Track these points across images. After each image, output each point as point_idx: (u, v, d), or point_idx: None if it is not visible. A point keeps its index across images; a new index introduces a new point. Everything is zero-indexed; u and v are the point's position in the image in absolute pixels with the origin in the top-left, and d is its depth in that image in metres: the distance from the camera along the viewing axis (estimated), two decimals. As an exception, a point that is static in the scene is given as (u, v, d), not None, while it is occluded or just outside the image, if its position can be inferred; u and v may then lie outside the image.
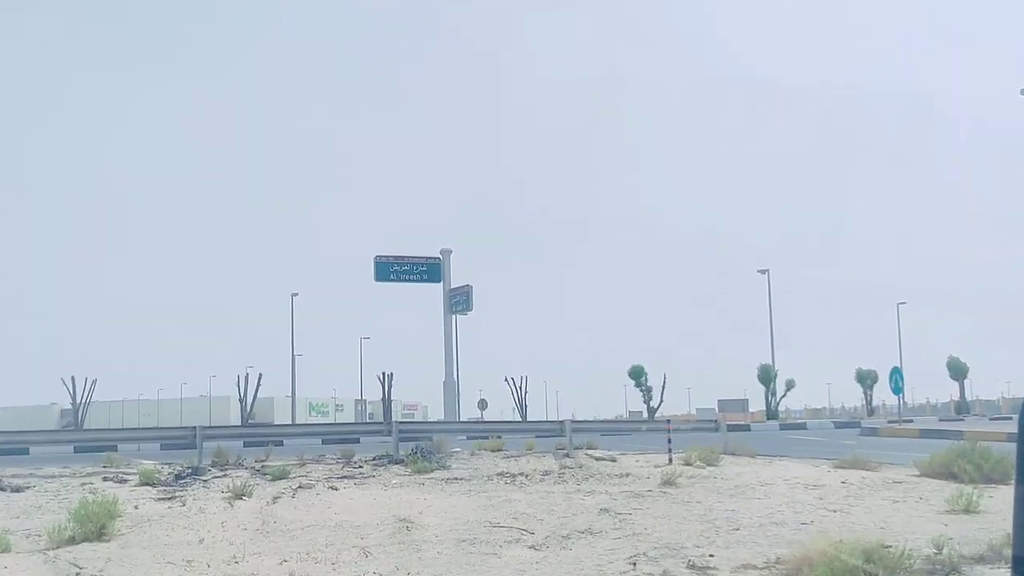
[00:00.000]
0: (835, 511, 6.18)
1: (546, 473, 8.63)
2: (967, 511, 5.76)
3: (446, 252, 21.16)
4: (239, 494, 7.07)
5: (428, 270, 21.06)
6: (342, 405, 60.76)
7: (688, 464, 9.09)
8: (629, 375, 30.77)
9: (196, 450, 10.06)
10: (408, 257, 21.00)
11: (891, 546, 4.17)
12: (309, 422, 41.62)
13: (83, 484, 8.35)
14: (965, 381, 33.24)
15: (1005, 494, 6.47)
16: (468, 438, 12.57)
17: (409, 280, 20.98)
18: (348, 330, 60.39)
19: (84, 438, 12.86)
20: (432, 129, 62.23)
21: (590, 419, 18.49)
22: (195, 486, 7.93)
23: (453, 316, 21.11)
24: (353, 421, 38.95)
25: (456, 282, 21.00)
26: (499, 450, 10.89)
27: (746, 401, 32.44)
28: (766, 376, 29.84)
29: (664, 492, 7.27)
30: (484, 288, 26.92)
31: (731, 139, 58.54)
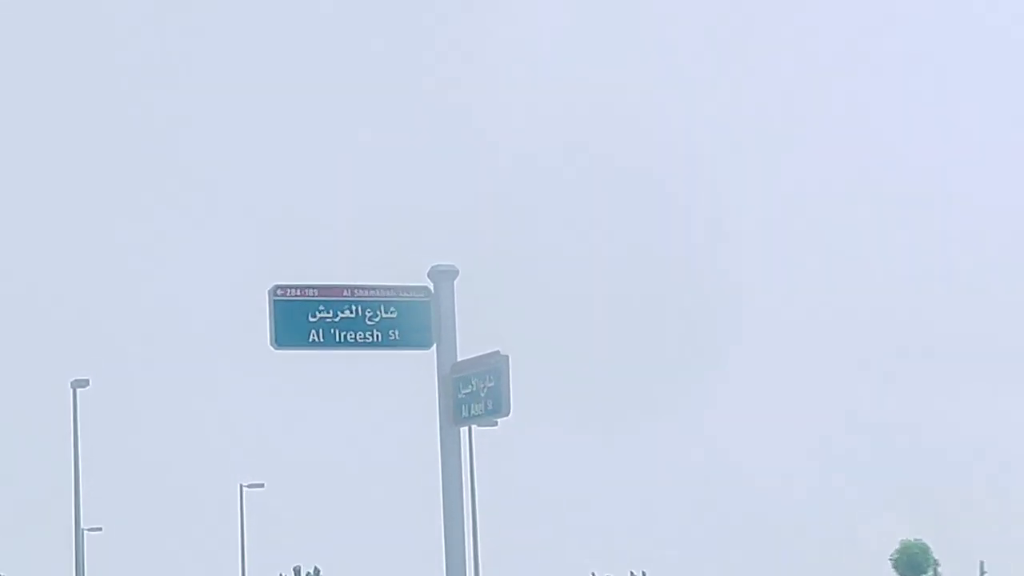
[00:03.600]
0: None
1: None
2: None
3: (442, 274, 16.23)
4: None
5: (399, 318, 15.93)
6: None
7: None
8: (895, 566, 26.50)
9: None
10: (353, 289, 16.07)
11: None
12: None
13: None
14: None
15: None
16: None
17: (355, 343, 15.92)
18: (211, 469, 51.92)
19: None
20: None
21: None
22: None
23: (463, 430, 16.47)
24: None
25: (469, 345, 15.89)
26: None
27: None
28: None
29: None
30: (531, 360, 22.91)
31: None
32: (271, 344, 15.43)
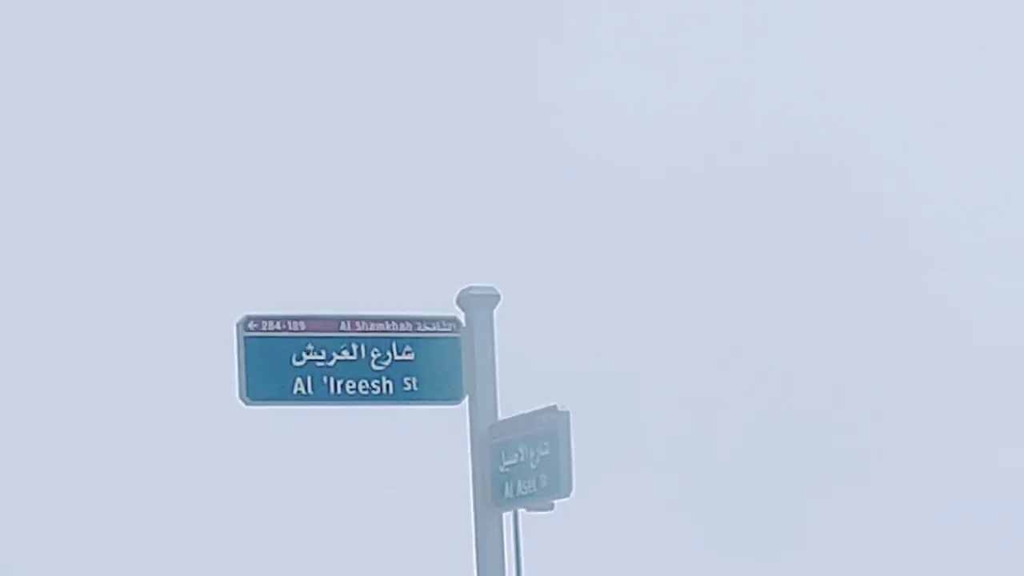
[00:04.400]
0: None
1: None
2: None
3: (477, 300, 16.59)
4: None
5: (418, 360, 16.47)
6: None
7: None
8: None
9: None
10: (354, 321, 16.38)
11: None
12: None
13: None
14: None
15: None
16: None
17: (356, 396, 16.25)
18: (164, 570, 53.25)
19: None
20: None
21: None
22: None
23: (507, 515, 16.87)
24: None
25: (514, 398, 16.35)
26: None
27: None
28: None
29: None
30: (600, 420, 25.02)
31: None
32: (241, 398, 15.32)
